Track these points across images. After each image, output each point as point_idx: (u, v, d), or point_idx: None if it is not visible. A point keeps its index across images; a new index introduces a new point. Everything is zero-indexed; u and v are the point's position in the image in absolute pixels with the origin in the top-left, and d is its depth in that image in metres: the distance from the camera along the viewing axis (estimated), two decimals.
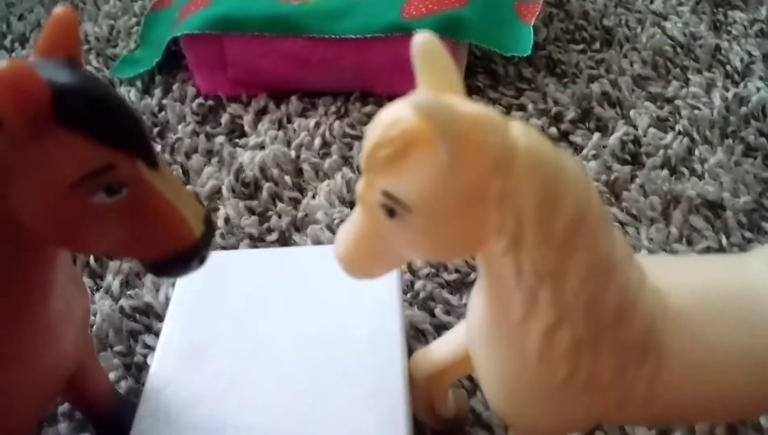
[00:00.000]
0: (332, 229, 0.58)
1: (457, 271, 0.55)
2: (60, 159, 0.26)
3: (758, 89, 0.72)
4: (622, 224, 0.58)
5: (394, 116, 0.26)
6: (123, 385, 0.48)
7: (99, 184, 0.26)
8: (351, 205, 0.61)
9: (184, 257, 0.29)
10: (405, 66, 0.69)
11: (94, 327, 0.52)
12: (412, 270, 0.55)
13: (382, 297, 0.42)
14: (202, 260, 0.30)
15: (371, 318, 0.41)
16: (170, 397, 0.37)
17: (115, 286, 0.55)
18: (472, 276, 0.55)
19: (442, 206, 0.26)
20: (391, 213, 0.27)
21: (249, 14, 0.70)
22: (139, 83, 0.76)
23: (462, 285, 0.55)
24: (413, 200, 0.26)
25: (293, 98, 0.73)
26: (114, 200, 0.27)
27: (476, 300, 0.33)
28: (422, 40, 0.27)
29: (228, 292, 0.43)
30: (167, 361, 0.39)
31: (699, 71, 0.76)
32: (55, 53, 0.27)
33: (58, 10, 0.28)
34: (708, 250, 0.56)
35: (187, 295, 0.43)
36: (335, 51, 0.70)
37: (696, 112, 0.69)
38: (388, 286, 0.43)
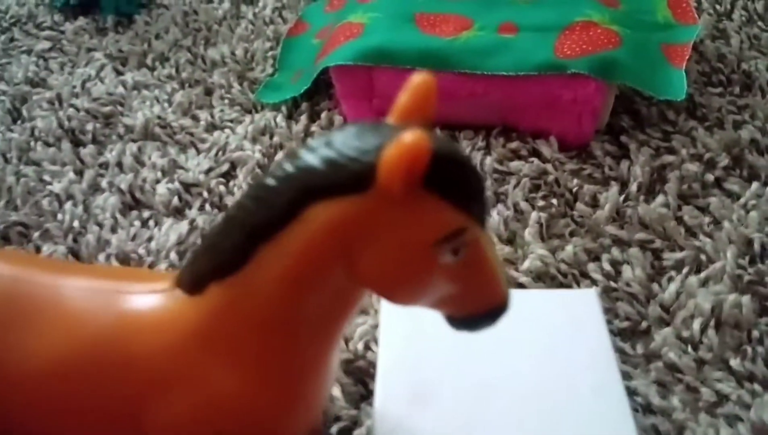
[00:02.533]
0: None
1: (627, 318, 0.55)
2: (424, 221, 0.27)
3: None
4: None
5: None
6: None
7: (450, 246, 0.27)
8: (509, 242, 0.62)
9: (494, 314, 0.30)
10: (553, 103, 0.71)
11: None
12: None
13: (595, 342, 0.43)
14: (502, 318, 0.30)
15: (589, 364, 0.41)
16: None
17: None
18: (643, 324, 0.55)
19: None
20: None
21: (400, 47, 0.71)
22: (284, 108, 0.77)
23: (633, 334, 0.54)
24: None
25: (437, 130, 0.73)
26: (457, 260, 0.28)
27: None
28: None
29: (436, 331, 0.44)
30: (391, 403, 0.40)
31: None
32: (414, 118, 0.28)
33: (418, 76, 0.29)
34: None
35: (396, 332, 0.44)
36: (484, 87, 0.71)
37: None
38: (598, 331, 0.43)
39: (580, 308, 0.44)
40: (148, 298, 0.32)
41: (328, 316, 0.30)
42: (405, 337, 0.44)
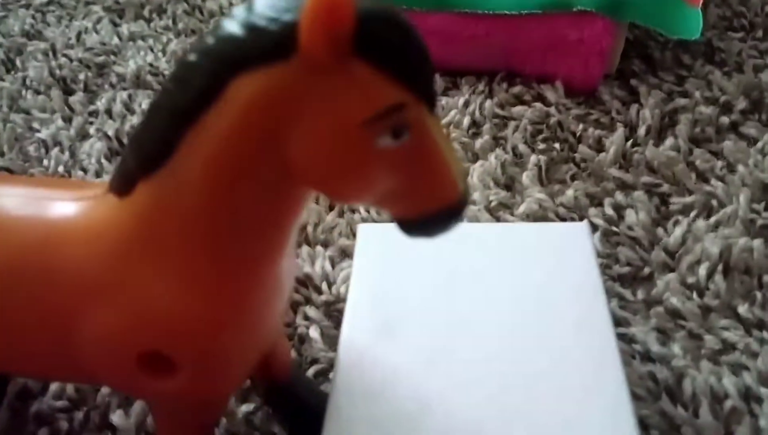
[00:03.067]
0: (490, 211, 0.56)
1: (629, 264, 0.51)
2: (353, 94, 0.23)
3: None
4: None
5: None
6: None
7: (388, 124, 0.24)
8: (506, 187, 0.58)
9: (447, 215, 0.26)
10: (559, 44, 0.67)
11: None
12: None
13: (583, 277, 0.39)
14: (458, 221, 0.27)
15: (575, 300, 0.38)
16: (366, 371, 0.35)
17: None
18: (646, 270, 0.51)
19: None
20: None
21: None
22: None
23: (633, 279, 0.51)
24: None
25: (437, 76, 0.70)
26: (398, 144, 0.24)
27: None
28: None
29: (413, 264, 0.41)
30: (359, 334, 0.37)
31: None
32: None
33: None
34: None
35: (370, 264, 0.41)
36: (486, 28, 0.67)
37: None
38: (587, 267, 0.40)
39: (568, 242, 0.41)
40: (79, 205, 0.29)
41: (266, 217, 0.27)
42: (379, 270, 0.41)
